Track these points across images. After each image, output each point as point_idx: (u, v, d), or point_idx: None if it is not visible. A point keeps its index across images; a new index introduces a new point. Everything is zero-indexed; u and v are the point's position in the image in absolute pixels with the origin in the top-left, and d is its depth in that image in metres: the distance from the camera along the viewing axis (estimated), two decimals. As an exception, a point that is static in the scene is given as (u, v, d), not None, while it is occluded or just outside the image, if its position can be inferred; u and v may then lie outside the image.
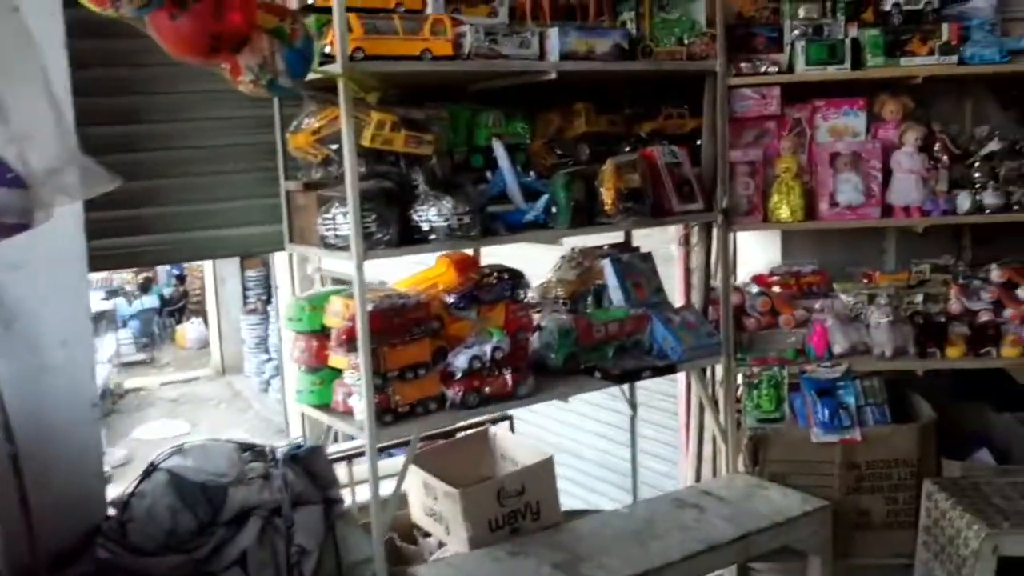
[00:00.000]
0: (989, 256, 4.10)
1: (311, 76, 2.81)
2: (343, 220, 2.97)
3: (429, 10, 3.10)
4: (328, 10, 2.84)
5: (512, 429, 4.22)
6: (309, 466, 3.11)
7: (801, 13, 3.78)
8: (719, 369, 3.89)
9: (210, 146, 3.38)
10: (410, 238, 3.08)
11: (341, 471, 3.61)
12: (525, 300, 3.52)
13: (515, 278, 3.45)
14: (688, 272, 4.43)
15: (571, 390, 3.42)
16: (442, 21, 3.03)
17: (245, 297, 14.92)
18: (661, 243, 4.52)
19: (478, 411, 3.22)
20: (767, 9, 3.83)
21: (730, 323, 3.78)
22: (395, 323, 3.08)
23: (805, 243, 4.23)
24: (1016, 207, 3.71)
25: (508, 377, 3.22)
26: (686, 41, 3.57)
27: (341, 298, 3.16)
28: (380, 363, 3.01)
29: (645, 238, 4.25)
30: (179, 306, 18.51)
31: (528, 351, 3.49)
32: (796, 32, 3.72)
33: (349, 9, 2.88)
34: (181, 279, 18.74)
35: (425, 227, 3.04)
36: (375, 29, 2.92)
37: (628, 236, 4.16)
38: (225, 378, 15.00)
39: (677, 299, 4.23)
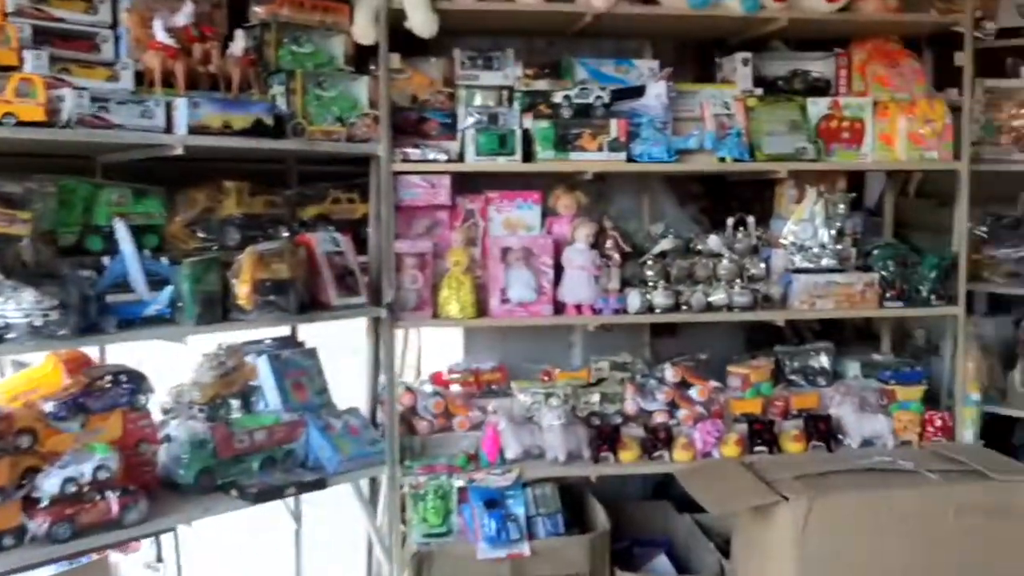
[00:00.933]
0: (673, 351, 4.06)
1: None
2: None
3: (28, 68, 2.65)
4: None
5: (176, 546, 3.66)
6: None
7: (477, 100, 3.63)
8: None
9: None
10: (-16, 336, 2.55)
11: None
12: (146, 407, 3.02)
13: (135, 381, 2.96)
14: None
15: (198, 513, 2.94)
16: (32, 81, 2.56)
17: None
18: (350, 332, 4.14)
19: (71, 545, 2.67)
20: (443, 94, 3.65)
21: (395, 428, 3.45)
22: (-40, 439, 2.53)
23: (491, 337, 4.01)
24: (685, 307, 3.67)
25: (113, 501, 2.72)
26: (346, 121, 3.29)
27: None
28: (-70, 491, 2.45)
29: (330, 326, 3.82)
30: None
31: (154, 467, 3.03)
32: (471, 120, 3.54)
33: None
34: None
35: (0, 323, 2.53)
36: (-61, 85, 2.44)
37: (293, 329, 3.77)
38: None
39: (365, 397, 3.84)
